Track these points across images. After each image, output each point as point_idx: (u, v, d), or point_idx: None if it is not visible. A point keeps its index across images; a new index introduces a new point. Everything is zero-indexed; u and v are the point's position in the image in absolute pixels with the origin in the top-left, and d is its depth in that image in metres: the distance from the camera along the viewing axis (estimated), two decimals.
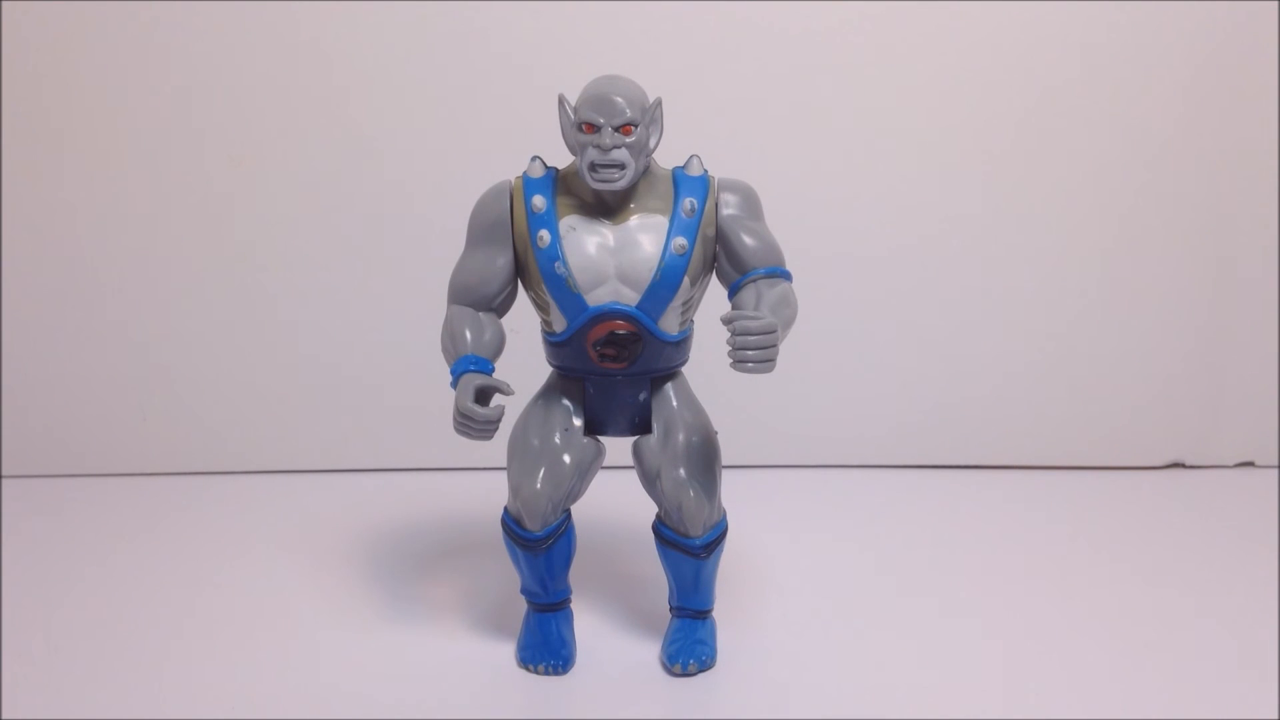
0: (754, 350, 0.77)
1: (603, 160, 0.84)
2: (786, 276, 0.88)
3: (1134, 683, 0.91)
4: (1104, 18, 1.29)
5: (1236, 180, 1.34)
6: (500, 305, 0.90)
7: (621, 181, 0.84)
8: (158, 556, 1.16)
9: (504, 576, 1.05)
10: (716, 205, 0.88)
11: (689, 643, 0.93)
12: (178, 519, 1.26)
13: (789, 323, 0.83)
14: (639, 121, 0.84)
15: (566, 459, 0.90)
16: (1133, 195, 1.35)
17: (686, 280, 0.87)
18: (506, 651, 0.95)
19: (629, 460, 0.93)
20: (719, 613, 0.97)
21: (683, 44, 1.29)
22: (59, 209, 1.33)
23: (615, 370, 0.89)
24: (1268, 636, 0.98)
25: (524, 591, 0.95)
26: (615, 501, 1.10)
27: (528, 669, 0.92)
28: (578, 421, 0.92)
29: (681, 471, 0.89)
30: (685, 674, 0.91)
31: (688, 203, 0.87)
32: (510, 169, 0.92)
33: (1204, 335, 1.39)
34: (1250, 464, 1.43)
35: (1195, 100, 1.32)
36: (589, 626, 0.98)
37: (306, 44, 1.29)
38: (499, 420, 0.82)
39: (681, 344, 0.91)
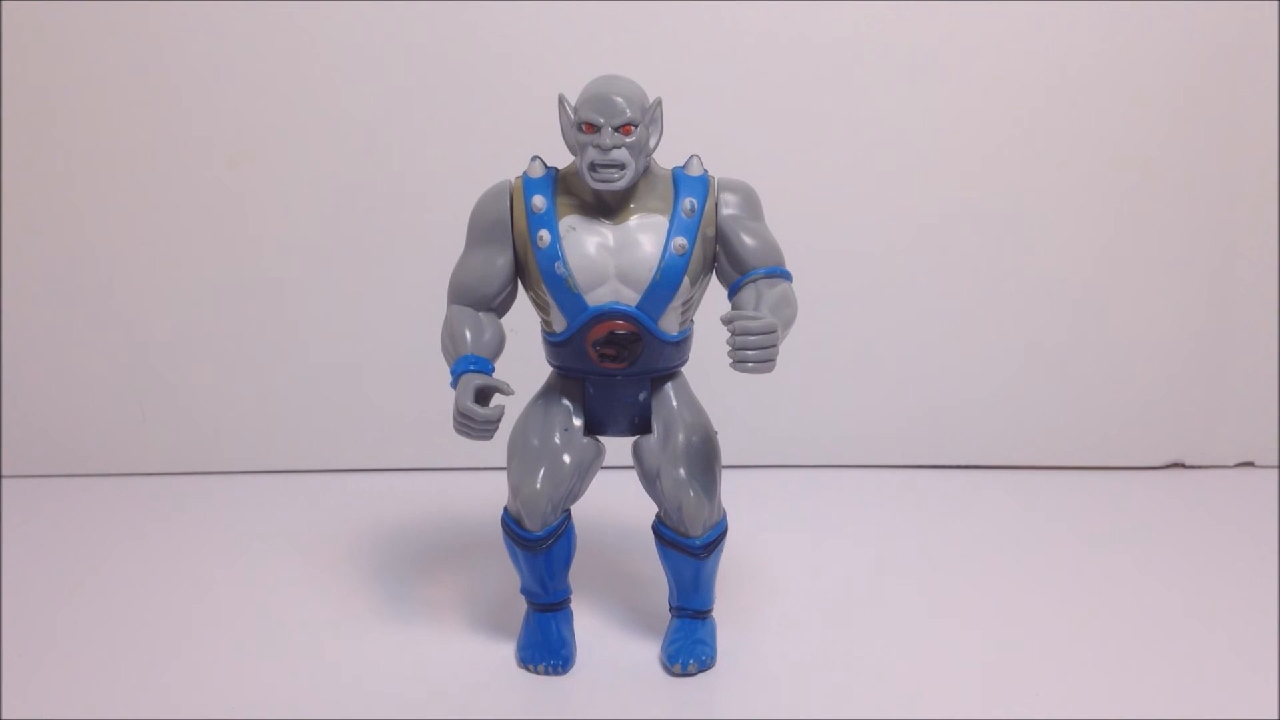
0: (754, 350, 0.77)
1: (603, 160, 0.83)
2: (786, 276, 0.88)
3: (1134, 683, 0.91)
4: (1102, 18, 1.29)
5: (1236, 181, 1.34)
6: (500, 305, 0.90)
7: (621, 181, 0.84)
8: (158, 556, 1.16)
9: (504, 576, 1.05)
10: (716, 205, 0.88)
11: (689, 643, 0.93)
12: (178, 519, 1.26)
13: (789, 323, 0.83)
14: (639, 121, 0.84)
15: (566, 459, 0.90)
16: (1132, 195, 1.34)
17: (686, 280, 0.87)
18: (506, 651, 0.95)
19: (629, 460, 0.93)
20: (719, 613, 0.97)
21: (682, 44, 1.29)
22: (59, 209, 1.33)
23: (615, 370, 0.89)
24: (1268, 636, 0.98)
25: (524, 591, 0.95)
26: (615, 501, 1.10)
27: (528, 669, 0.92)
28: (578, 421, 0.92)
29: (681, 471, 0.89)
30: (685, 674, 0.91)
31: (688, 203, 0.87)
32: (510, 169, 0.92)
33: (1204, 335, 1.39)
34: (1250, 464, 1.43)
35: (1195, 100, 1.32)
36: (589, 626, 0.98)
37: (306, 44, 1.29)
38: (499, 420, 0.82)
39: (681, 344, 0.91)
